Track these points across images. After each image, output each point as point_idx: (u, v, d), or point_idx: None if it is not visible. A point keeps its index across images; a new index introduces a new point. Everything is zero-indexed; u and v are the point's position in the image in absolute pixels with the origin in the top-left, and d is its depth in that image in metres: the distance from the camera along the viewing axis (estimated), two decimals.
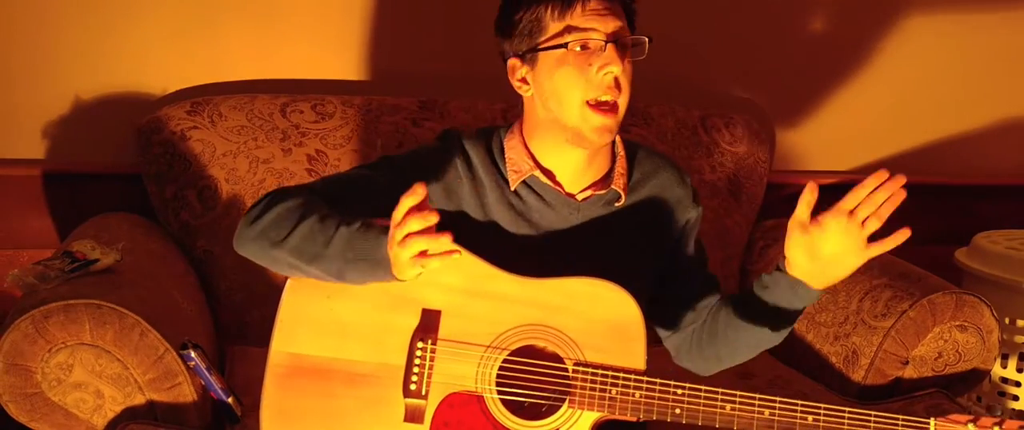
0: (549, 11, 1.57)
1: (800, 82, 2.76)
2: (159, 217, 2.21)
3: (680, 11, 2.58)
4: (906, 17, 2.76)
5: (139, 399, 1.70)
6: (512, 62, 1.63)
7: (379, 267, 1.46)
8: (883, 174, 1.54)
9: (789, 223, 1.53)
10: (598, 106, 1.56)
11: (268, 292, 2.17)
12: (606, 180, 1.68)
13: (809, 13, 2.71)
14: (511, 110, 2.36)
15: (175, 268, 2.06)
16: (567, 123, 1.58)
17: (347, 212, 1.54)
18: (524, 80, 1.63)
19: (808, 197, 1.53)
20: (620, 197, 1.67)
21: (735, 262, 2.49)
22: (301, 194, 1.56)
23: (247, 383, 1.92)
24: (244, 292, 2.17)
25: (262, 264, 1.55)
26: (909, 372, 2.09)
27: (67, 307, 1.64)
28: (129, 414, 1.69)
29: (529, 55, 1.60)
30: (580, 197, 1.66)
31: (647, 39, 1.60)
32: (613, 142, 1.70)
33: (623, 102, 1.58)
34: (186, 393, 1.71)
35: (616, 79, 1.56)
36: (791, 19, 2.70)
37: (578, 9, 1.56)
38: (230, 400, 1.77)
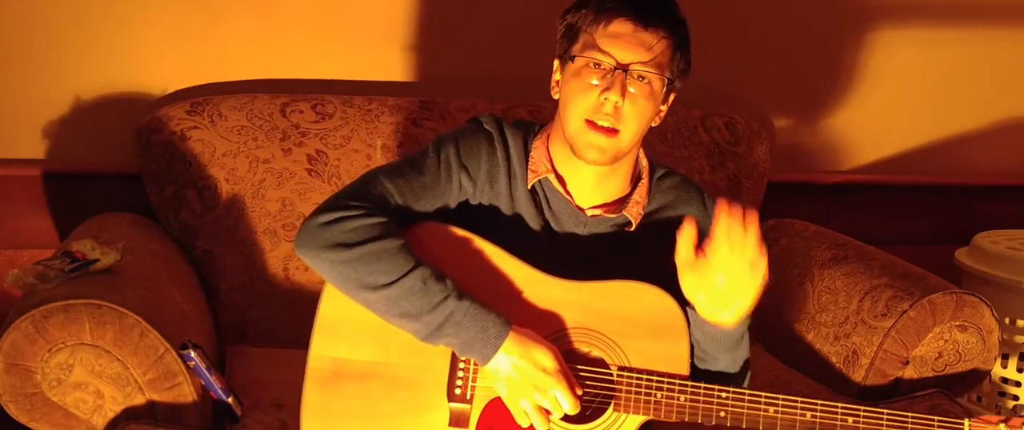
0: (584, 21, 1.58)
1: (800, 82, 2.76)
2: (159, 217, 2.21)
3: (681, 11, 2.58)
4: (907, 17, 2.76)
5: (139, 399, 1.69)
6: (556, 62, 1.65)
7: (482, 345, 1.49)
8: (725, 202, 1.48)
9: (677, 264, 1.51)
10: (595, 125, 1.56)
11: (268, 292, 2.18)
12: (620, 203, 1.67)
13: (810, 13, 2.71)
14: (511, 110, 2.36)
15: (175, 268, 2.05)
16: (567, 132, 1.59)
17: (412, 220, 1.57)
18: (557, 83, 1.64)
19: (686, 235, 1.49)
20: (631, 224, 1.66)
21: None
22: (391, 229, 1.52)
23: (247, 383, 1.92)
24: (244, 292, 2.17)
25: (326, 278, 1.53)
26: (909, 372, 2.08)
27: (67, 307, 1.64)
28: (129, 414, 1.69)
29: (564, 59, 1.62)
30: (589, 213, 1.65)
31: (665, 78, 1.57)
32: (637, 167, 1.69)
33: (627, 132, 1.57)
34: (186, 393, 1.71)
35: (617, 108, 1.55)
36: (792, 19, 2.70)
37: (602, 26, 1.56)
38: (230, 400, 1.77)
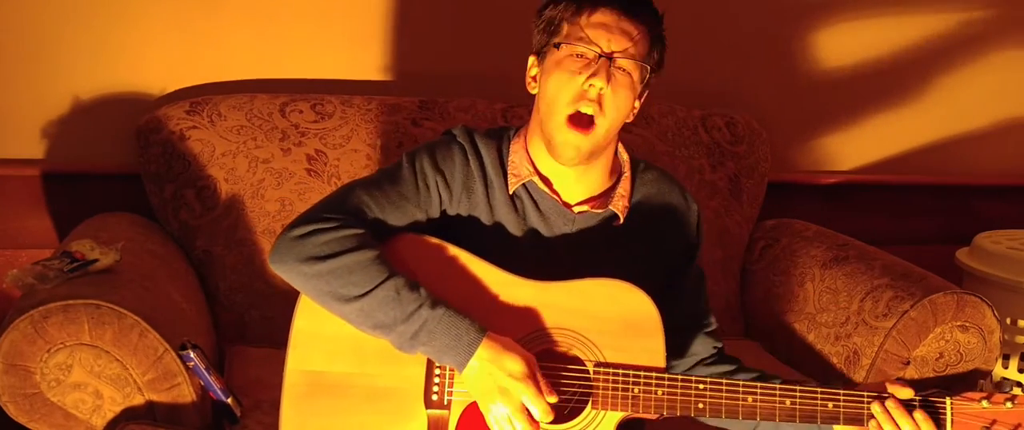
0: (564, 12, 1.58)
1: (801, 81, 2.76)
2: (158, 217, 2.21)
3: (681, 10, 2.58)
4: (906, 17, 2.76)
5: (138, 399, 1.69)
6: (531, 58, 1.65)
7: (457, 353, 1.48)
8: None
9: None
10: (576, 120, 1.55)
11: (268, 292, 2.17)
12: (605, 198, 1.66)
13: (811, 13, 2.70)
14: (511, 110, 2.36)
15: (174, 268, 2.05)
16: (545, 127, 1.59)
17: (390, 232, 1.56)
18: (535, 78, 1.64)
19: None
20: (618, 218, 1.66)
21: (736, 262, 2.48)
22: (366, 240, 1.51)
23: (246, 383, 1.92)
24: (243, 292, 2.17)
25: (302, 290, 1.52)
26: (910, 372, 2.08)
27: (66, 307, 1.63)
28: (128, 414, 1.69)
29: (542, 53, 1.61)
30: (576, 210, 1.65)
31: (647, 67, 1.58)
32: (617, 161, 1.69)
33: (603, 124, 1.57)
34: (185, 393, 1.71)
35: (601, 96, 1.55)
36: (792, 19, 2.70)
37: (585, 16, 1.56)
38: (229, 400, 1.76)
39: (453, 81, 2.47)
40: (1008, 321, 2.45)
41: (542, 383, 1.49)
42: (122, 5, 2.28)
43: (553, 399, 1.49)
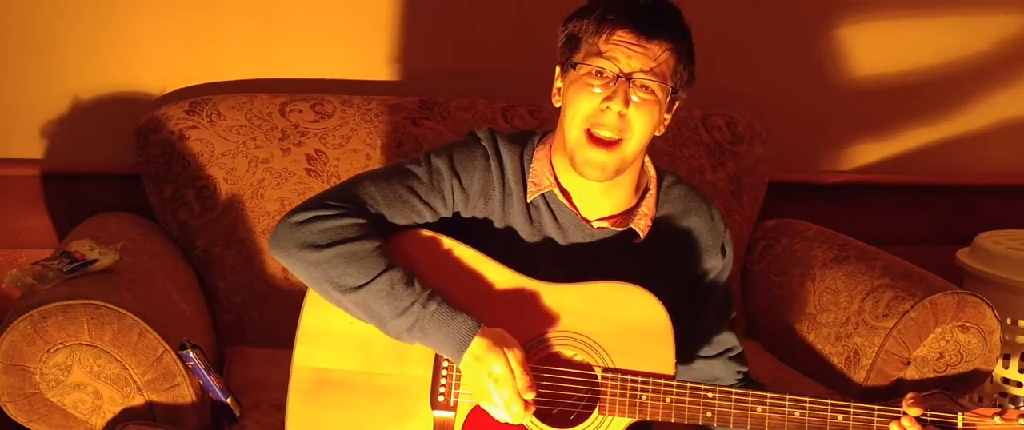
0: (586, 29, 1.55)
1: (801, 81, 2.75)
2: (157, 217, 2.20)
3: (681, 10, 2.57)
4: (907, 17, 2.76)
5: (138, 400, 1.69)
6: (557, 69, 1.62)
7: (451, 350, 1.48)
8: None
9: None
10: (595, 139, 1.53)
11: (267, 292, 2.17)
12: (627, 216, 1.64)
13: (810, 13, 2.70)
14: (511, 110, 2.35)
15: (174, 268, 2.05)
16: (567, 144, 1.56)
17: (391, 228, 1.55)
18: (558, 91, 1.61)
19: None
20: (638, 237, 1.63)
21: (736, 262, 2.47)
22: (367, 231, 1.50)
23: (246, 384, 1.92)
24: (243, 292, 2.17)
25: (298, 276, 1.52)
26: (911, 373, 2.08)
27: (65, 307, 1.63)
28: (127, 415, 1.69)
29: (565, 67, 1.59)
30: (595, 225, 1.63)
31: (668, 87, 1.54)
32: (644, 176, 1.66)
33: (631, 143, 1.54)
34: (185, 394, 1.70)
35: (621, 117, 1.52)
36: (793, 19, 2.70)
37: (605, 35, 1.53)
38: (229, 400, 1.76)
39: (453, 81, 2.47)
40: (1008, 321, 2.45)
41: (522, 378, 1.46)
42: (122, 4, 2.27)
43: (531, 395, 1.47)
